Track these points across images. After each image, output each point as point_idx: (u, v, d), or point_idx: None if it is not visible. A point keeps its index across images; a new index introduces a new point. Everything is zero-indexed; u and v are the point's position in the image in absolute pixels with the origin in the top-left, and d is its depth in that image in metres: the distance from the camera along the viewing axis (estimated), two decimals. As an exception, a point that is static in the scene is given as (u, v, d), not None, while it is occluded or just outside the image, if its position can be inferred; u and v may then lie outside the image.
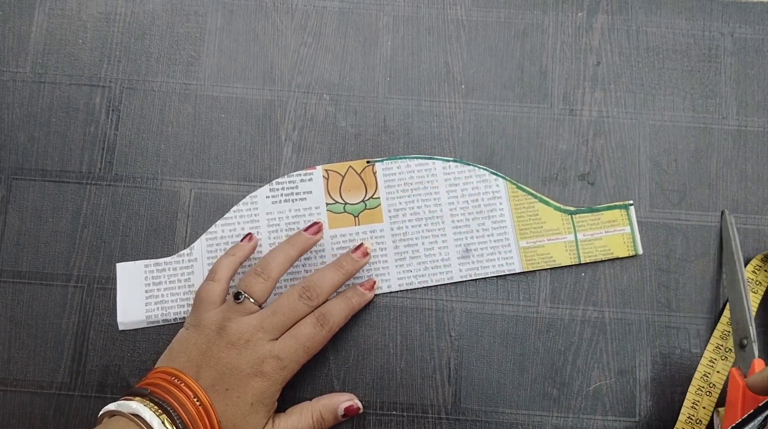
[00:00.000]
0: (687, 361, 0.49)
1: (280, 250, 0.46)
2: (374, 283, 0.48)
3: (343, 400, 0.46)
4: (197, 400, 0.40)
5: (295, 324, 0.44)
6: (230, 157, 0.51)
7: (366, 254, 0.47)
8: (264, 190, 0.50)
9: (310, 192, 0.50)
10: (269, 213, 0.49)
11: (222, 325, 0.42)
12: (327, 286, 0.45)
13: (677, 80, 0.52)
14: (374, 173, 0.50)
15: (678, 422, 0.47)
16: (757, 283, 0.49)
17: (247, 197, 0.50)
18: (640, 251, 0.49)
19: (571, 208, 0.50)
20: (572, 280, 0.50)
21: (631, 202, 0.50)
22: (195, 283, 0.48)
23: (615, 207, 0.50)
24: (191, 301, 0.48)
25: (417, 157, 0.50)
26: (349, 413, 0.46)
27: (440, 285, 0.49)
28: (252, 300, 0.44)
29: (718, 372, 0.47)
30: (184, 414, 0.39)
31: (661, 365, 0.48)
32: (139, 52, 0.52)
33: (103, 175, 0.50)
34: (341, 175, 0.50)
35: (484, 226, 0.49)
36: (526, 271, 0.49)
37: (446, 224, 0.49)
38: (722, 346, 0.48)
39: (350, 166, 0.50)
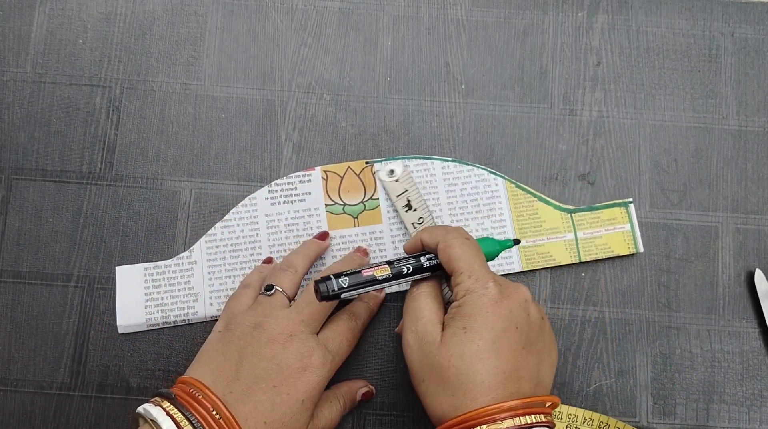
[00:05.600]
0: (687, 361, 0.49)
1: (299, 250, 0.47)
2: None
3: (360, 387, 0.46)
4: (216, 414, 0.37)
5: (329, 318, 0.44)
6: (230, 157, 0.51)
7: (366, 253, 0.49)
8: (263, 192, 0.50)
9: (309, 193, 0.50)
10: (268, 214, 0.49)
11: (258, 321, 0.41)
12: None
13: (677, 80, 0.52)
14: (373, 174, 0.50)
15: None
16: None
17: (246, 199, 0.50)
18: (641, 249, 0.49)
19: (571, 207, 0.50)
20: (572, 280, 0.49)
21: (631, 199, 0.50)
22: (194, 285, 0.48)
23: (615, 205, 0.50)
24: (191, 304, 0.48)
25: (416, 158, 0.50)
26: (365, 398, 0.46)
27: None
28: (282, 291, 0.43)
29: None
30: (207, 427, 0.37)
31: (661, 365, 0.48)
32: (139, 52, 0.52)
33: (103, 175, 0.50)
34: (340, 176, 0.50)
35: (484, 226, 0.49)
36: (526, 271, 0.49)
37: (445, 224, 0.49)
38: None
39: (349, 167, 0.50)
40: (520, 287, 0.39)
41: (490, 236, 0.48)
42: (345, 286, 0.39)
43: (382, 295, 0.48)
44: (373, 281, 0.40)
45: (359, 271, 0.40)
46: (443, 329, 0.38)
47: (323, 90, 0.52)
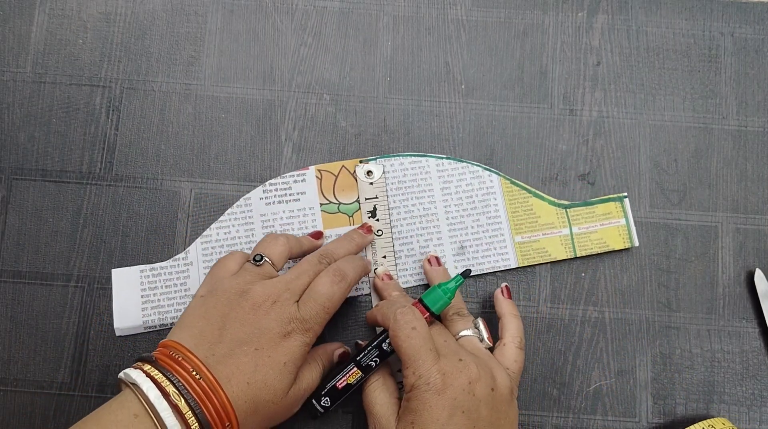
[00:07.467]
0: (687, 361, 0.48)
1: (293, 236, 0.47)
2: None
3: (336, 348, 0.46)
4: (197, 375, 0.37)
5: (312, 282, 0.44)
6: (230, 157, 0.51)
7: (370, 231, 0.49)
8: (257, 192, 0.50)
9: (304, 193, 0.50)
10: (263, 214, 0.49)
11: (244, 288, 0.41)
12: (342, 253, 0.46)
13: (677, 80, 0.52)
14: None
15: None
16: None
17: (241, 199, 0.50)
18: (636, 243, 0.49)
19: (566, 202, 0.50)
20: (572, 280, 0.49)
21: (626, 194, 0.50)
22: (191, 287, 0.48)
23: (609, 199, 0.50)
24: (187, 305, 0.48)
25: (410, 155, 0.50)
26: (342, 358, 0.46)
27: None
28: (270, 262, 0.43)
29: None
30: (188, 387, 0.37)
31: (661, 365, 0.48)
32: (139, 52, 0.52)
33: (103, 175, 0.50)
34: (334, 174, 0.50)
35: (479, 222, 0.49)
36: (525, 268, 0.49)
37: (441, 221, 0.49)
38: None
39: (343, 166, 0.50)
40: (465, 368, 0.39)
41: (446, 278, 0.47)
42: (329, 406, 0.43)
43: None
44: (351, 387, 0.43)
45: (335, 385, 0.43)
46: (397, 423, 0.40)
47: (323, 90, 0.52)
